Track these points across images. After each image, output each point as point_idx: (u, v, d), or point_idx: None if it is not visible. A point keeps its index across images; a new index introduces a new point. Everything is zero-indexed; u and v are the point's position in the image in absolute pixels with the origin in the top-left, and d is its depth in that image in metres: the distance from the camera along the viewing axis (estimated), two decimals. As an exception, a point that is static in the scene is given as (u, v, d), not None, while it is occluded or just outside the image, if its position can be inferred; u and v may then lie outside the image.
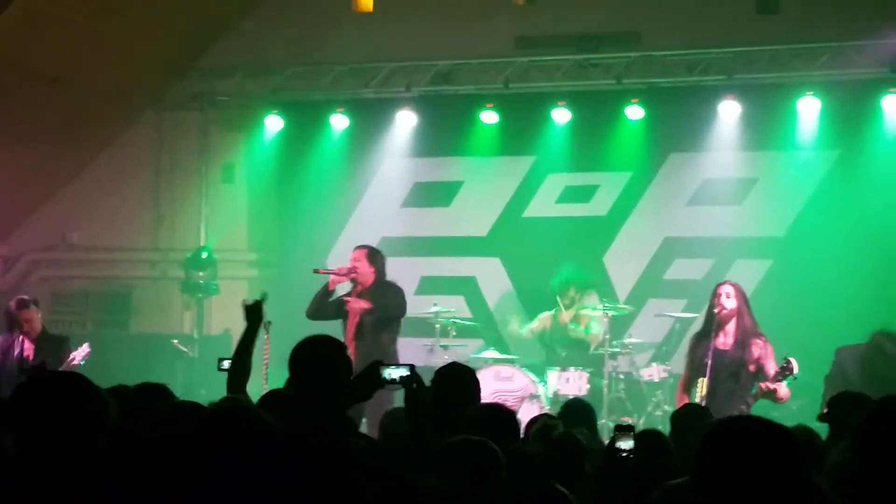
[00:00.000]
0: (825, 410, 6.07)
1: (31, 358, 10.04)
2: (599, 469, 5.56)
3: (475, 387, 5.91)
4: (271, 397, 5.67)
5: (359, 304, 9.92)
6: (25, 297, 10.57)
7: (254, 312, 6.59)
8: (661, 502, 4.17)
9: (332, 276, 10.22)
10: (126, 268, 14.77)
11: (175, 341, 13.34)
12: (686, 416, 6.78)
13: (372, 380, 5.13)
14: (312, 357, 4.95)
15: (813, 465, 4.74)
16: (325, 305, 10.22)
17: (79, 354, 10.04)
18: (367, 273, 10.17)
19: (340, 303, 10.18)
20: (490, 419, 5.22)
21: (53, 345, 10.28)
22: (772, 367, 9.49)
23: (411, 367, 5.20)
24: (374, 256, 10.30)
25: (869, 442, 2.88)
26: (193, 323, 14.27)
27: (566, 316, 12.26)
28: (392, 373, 5.18)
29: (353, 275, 10.16)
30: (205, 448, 3.74)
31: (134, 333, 14.49)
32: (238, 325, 14.31)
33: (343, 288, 10.43)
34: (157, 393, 5.31)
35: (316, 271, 10.47)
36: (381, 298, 10.02)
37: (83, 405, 3.72)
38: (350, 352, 9.50)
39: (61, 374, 4.77)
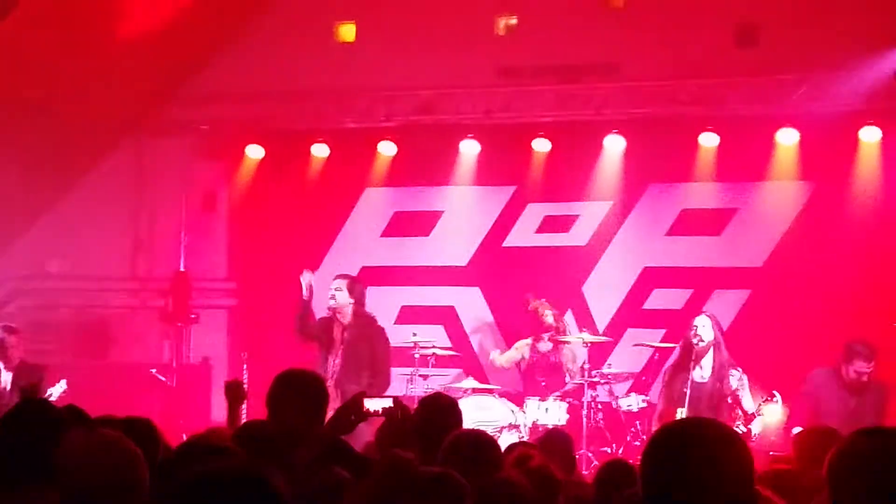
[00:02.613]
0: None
1: (7, 388, 10.01)
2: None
3: (458, 417, 5.91)
4: (248, 429, 5.63)
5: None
6: (11, 324, 10.57)
7: (234, 391, 6.52)
8: None
9: (306, 288, 10.56)
10: (105, 297, 14.71)
11: (154, 370, 13.28)
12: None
13: (355, 412, 5.14)
14: (290, 389, 5.00)
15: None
16: (308, 322, 10.48)
17: (55, 391, 9.99)
18: (345, 304, 10.40)
19: (325, 325, 10.36)
20: (471, 446, 5.21)
21: (31, 375, 10.25)
22: (747, 400, 9.57)
23: (394, 399, 5.21)
24: (354, 287, 10.51)
25: (841, 477, 2.90)
26: (172, 352, 14.21)
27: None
28: (375, 404, 5.19)
29: (332, 303, 10.35)
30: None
31: (113, 363, 14.42)
32: (217, 354, 14.35)
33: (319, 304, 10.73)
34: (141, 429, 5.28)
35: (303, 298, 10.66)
36: (367, 343, 10.19)
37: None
38: (331, 386, 9.64)
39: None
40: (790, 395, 10.00)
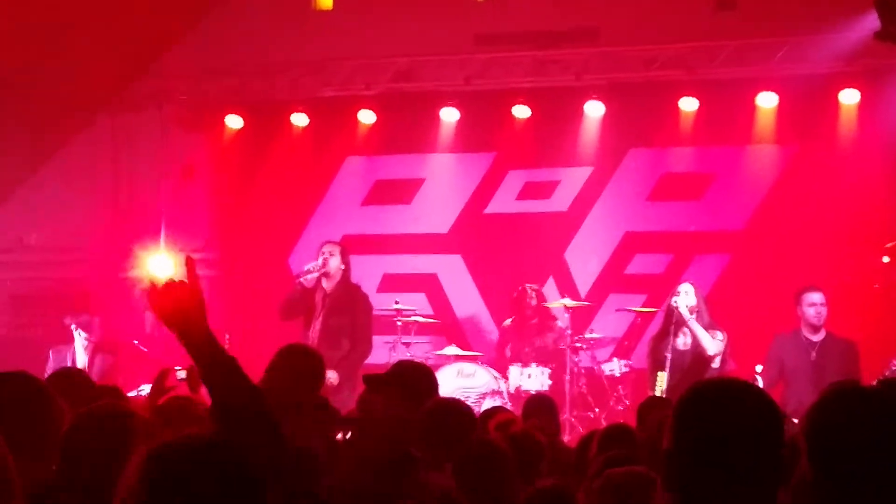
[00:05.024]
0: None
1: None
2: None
3: (433, 383, 5.90)
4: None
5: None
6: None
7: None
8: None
9: (310, 277, 10.46)
10: (85, 269, 14.66)
11: (136, 342, 13.25)
12: (648, 408, 6.83)
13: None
14: (291, 362, 5.12)
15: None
16: (298, 305, 10.49)
17: None
18: (336, 269, 10.45)
19: (307, 298, 10.32)
20: (448, 412, 5.22)
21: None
22: (730, 360, 9.67)
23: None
24: (346, 254, 10.61)
25: (817, 432, 2.90)
26: (154, 323, 14.16)
27: None
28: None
29: (325, 268, 10.37)
30: None
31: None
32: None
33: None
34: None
35: (299, 280, 10.61)
36: (348, 310, 10.25)
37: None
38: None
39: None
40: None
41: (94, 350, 11.36)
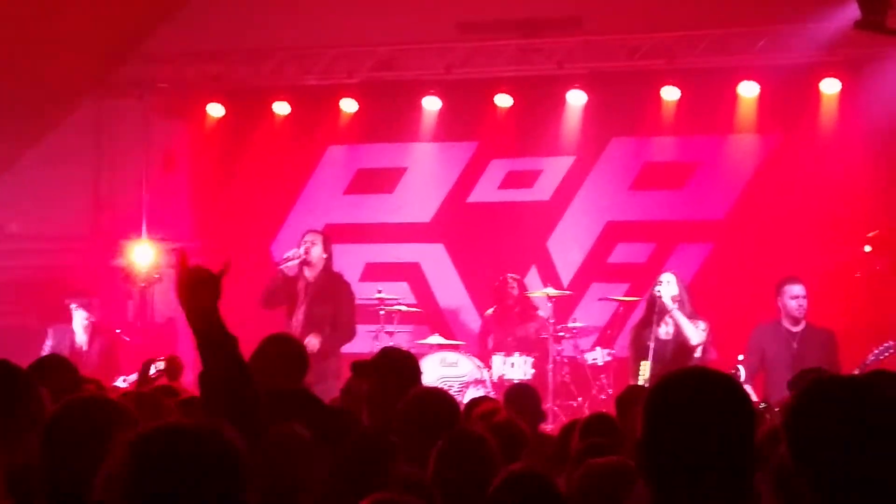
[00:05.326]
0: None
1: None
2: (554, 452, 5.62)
3: (416, 372, 5.90)
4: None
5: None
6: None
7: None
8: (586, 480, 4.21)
9: (291, 264, 10.44)
10: (67, 257, 14.61)
11: (118, 331, 13.22)
12: (629, 398, 6.83)
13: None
14: (275, 352, 5.13)
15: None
16: (280, 293, 10.48)
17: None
18: (318, 258, 10.41)
19: (289, 287, 10.29)
20: (431, 401, 5.22)
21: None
22: (712, 350, 9.69)
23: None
24: (327, 243, 10.57)
25: (799, 423, 2.91)
26: (136, 312, 14.15)
27: None
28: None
29: (307, 256, 10.35)
30: None
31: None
32: (181, 313, 14.31)
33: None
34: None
35: (280, 268, 10.61)
36: (331, 298, 10.25)
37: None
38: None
39: None
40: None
41: (94, 330, 11.39)
